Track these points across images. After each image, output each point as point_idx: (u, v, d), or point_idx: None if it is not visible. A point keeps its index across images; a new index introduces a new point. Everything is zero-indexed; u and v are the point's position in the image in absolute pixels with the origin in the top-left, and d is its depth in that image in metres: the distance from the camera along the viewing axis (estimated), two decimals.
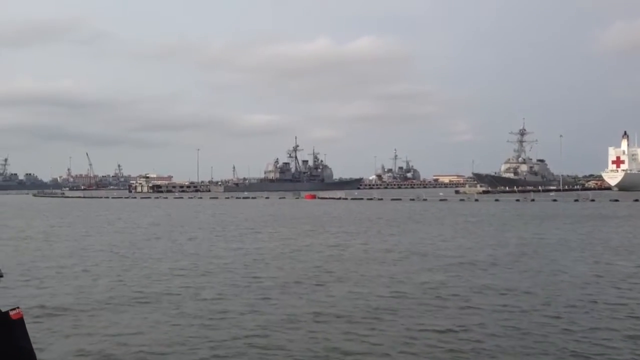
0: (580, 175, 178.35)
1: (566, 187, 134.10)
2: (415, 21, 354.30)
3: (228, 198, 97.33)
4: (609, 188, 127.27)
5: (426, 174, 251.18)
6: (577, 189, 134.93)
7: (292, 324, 11.46)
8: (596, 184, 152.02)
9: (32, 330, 2.21)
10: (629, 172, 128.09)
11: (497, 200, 75.35)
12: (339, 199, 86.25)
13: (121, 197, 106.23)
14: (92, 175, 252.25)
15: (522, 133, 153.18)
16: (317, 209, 58.78)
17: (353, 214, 50.46)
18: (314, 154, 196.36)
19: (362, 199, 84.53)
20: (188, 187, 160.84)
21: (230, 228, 35.83)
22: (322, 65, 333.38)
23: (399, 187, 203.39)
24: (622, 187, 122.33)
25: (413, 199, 78.87)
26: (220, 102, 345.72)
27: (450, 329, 11.07)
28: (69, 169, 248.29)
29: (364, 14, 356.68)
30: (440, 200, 78.20)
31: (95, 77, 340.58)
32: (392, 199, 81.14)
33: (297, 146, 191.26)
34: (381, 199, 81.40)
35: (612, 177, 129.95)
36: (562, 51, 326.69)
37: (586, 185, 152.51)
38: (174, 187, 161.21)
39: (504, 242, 26.13)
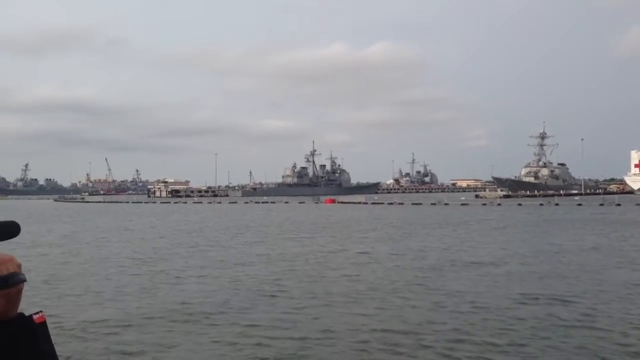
0: (600, 179, 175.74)
1: (588, 191, 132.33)
2: (429, 27, 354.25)
3: (247, 203, 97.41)
4: (631, 192, 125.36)
5: (443, 179, 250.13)
6: (599, 193, 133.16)
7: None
8: (618, 187, 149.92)
9: None
10: None
11: (520, 204, 74.44)
12: (359, 203, 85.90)
13: (141, 202, 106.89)
14: (110, 180, 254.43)
15: (543, 137, 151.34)
16: (344, 214, 58.47)
17: (385, 218, 50.04)
18: (331, 158, 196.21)
19: (382, 203, 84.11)
20: (206, 191, 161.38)
21: (290, 231, 35.72)
22: (337, 70, 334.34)
23: (417, 192, 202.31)
24: None
25: (434, 204, 78.30)
26: (237, 108, 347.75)
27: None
28: (88, 174, 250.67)
29: (379, 20, 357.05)
30: (462, 204, 77.50)
31: (113, 84, 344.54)
32: (413, 204, 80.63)
33: (315, 150, 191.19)
34: (402, 204, 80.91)
35: (635, 181, 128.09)
36: (580, 55, 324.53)
37: (608, 189, 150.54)
38: (192, 191, 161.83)
39: (550, 249, 25.60)
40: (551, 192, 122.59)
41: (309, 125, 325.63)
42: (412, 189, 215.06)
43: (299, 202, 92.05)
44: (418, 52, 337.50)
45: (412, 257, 22.93)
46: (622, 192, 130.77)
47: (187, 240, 31.42)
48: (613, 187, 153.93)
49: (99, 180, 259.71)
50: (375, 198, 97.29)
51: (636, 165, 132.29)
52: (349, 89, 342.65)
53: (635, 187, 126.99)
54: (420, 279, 17.57)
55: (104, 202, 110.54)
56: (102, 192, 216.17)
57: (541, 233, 33.72)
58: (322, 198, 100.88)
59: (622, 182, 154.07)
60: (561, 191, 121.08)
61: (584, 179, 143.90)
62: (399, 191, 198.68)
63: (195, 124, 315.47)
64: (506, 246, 26.58)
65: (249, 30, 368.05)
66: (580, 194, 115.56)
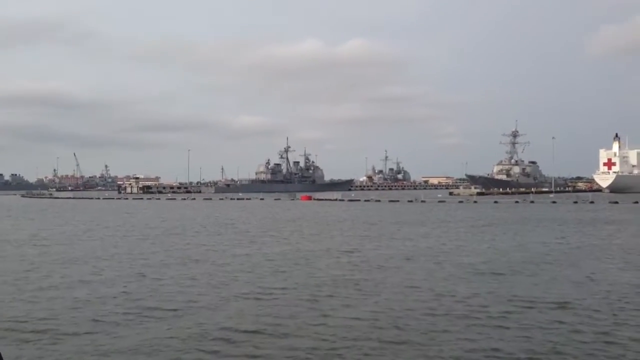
0: (568, 177, 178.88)
1: (558, 189, 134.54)
2: (405, 25, 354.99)
3: (222, 199, 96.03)
4: (599, 190, 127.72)
5: (415, 176, 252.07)
6: (569, 191, 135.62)
7: None
8: (586, 185, 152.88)
9: None
10: (620, 174, 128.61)
11: (496, 202, 74.87)
12: (335, 200, 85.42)
13: (112, 198, 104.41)
14: (78, 176, 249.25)
15: (515, 135, 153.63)
16: (322, 211, 57.84)
17: (364, 216, 49.52)
18: (305, 155, 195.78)
19: (359, 200, 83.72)
20: (178, 188, 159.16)
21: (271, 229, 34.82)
22: (312, 67, 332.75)
23: (390, 189, 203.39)
24: (614, 189, 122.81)
25: (411, 201, 78.22)
26: (209, 103, 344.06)
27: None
28: (55, 170, 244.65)
29: (354, 17, 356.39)
30: (439, 202, 77.63)
31: (83, 78, 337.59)
32: (390, 201, 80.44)
33: (289, 147, 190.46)
34: (379, 201, 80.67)
35: (604, 179, 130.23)
36: (553, 55, 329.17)
37: (577, 186, 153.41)
38: (164, 188, 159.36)
39: (536, 248, 25.33)
40: (523, 189, 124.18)
41: (283, 121, 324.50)
42: (385, 186, 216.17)
43: (275, 199, 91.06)
44: (393, 50, 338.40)
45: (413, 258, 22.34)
46: (591, 190, 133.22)
47: (167, 239, 30.31)
48: (582, 185, 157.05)
49: (67, 176, 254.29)
50: (352, 195, 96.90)
51: (605, 164, 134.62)
52: (323, 85, 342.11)
53: (603, 185, 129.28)
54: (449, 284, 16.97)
55: (74, 198, 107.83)
56: (70, 187, 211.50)
57: (525, 231, 33.55)
58: (298, 195, 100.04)
59: (589, 180, 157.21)
60: (532, 189, 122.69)
61: (554, 177, 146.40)
62: (371, 188, 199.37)
63: (166, 119, 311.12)
64: (503, 245, 26.25)
65: (223, 25, 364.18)
66: (551, 192, 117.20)
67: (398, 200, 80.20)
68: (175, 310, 13.05)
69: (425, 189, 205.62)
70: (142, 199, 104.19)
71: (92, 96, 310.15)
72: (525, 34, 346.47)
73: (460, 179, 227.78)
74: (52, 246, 26.58)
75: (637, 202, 67.49)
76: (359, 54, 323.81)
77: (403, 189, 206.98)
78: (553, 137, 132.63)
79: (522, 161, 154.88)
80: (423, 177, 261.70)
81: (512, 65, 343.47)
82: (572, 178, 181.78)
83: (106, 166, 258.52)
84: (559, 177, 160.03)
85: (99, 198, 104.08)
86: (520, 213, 51.87)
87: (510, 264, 19.99)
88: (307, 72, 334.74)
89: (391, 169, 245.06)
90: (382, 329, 11.43)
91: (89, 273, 18.49)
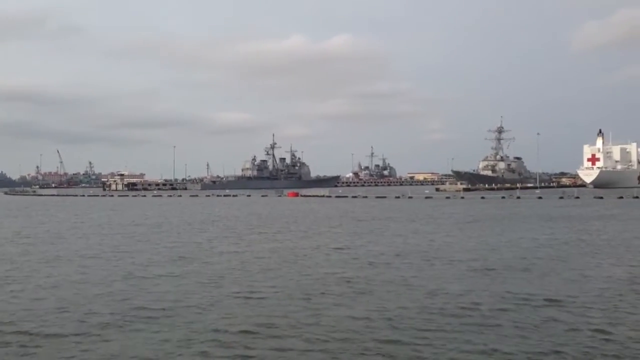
0: (551, 172, 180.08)
1: (543, 184, 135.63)
2: (391, 21, 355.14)
3: (209, 196, 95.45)
4: (583, 185, 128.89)
5: (401, 172, 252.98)
6: (554, 186, 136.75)
7: None
8: (570, 181, 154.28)
9: None
10: (604, 169, 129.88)
11: (482, 198, 75.10)
12: (323, 196, 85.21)
13: (97, 195, 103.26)
14: (62, 173, 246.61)
15: (500, 131, 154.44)
16: (310, 208, 57.60)
17: (353, 213, 49.33)
18: (291, 151, 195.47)
19: (346, 196, 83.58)
20: (164, 184, 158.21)
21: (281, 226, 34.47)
22: (297, 63, 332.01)
23: (376, 185, 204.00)
24: (598, 184, 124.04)
25: (398, 197, 78.21)
26: (194, 99, 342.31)
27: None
28: (38, 167, 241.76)
29: (339, 12, 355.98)
30: (426, 198, 77.74)
31: (66, 74, 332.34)
32: (377, 197, 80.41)
33: (275, 144, 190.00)
34: (366, 197, 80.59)
35: (588, 175, 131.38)
36: (537, 51, 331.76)
37: (561, 182, 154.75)
38: (149, 184, 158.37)
39: (530, 245, 25.30)
40: (508, 185, 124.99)
41: (268, 117, 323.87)
42: (371, 183, 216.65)
43: (262, 195, 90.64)
44: (379, 46, 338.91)
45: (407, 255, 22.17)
46: (575, 185, 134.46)
47: (154, 237, 29.88)
48: (566, 181, 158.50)
49: (50, 173, 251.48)
50: (339, 191, 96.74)
51: (589, 160, 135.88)
52: (308, 81, 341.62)
53: (587, 180, 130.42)
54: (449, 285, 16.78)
55: (58, 195, 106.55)
56: (53, 185, 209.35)
57: (516, 228, 33.57)
58: (285, 191, 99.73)
59: (573, 175, 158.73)
60: (518, 184, 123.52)
61: (538, 173, 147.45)
62: (358, 184, 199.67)
63: (150, 115, 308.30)
64: (494, 241, 26.20)
65: (208, 21, 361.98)
66: (537, 187, 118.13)
67: (385, 197, 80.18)
68: (163, 309, 12.74)
69: (411, 185, 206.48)
70: (127, 196, 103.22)
71: (75, 92, 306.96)
72: (509, 30, 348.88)
73: (445, 175, 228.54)
74: (36, 244, 26.04)
75: (621, 197, 68.04)
76: (344, 49, 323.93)
77: (389, 185, 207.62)
78: (538, 133, 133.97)
79: (508, 157, 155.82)
80: (409, 173, 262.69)
81: (496, 61, 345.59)
82: (556, 173, 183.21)
83: (90, 163, 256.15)
84: (543, 173, 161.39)
85: (83, 195, 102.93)
86: (508, 209, 52.01)
87: (501, 260, 19.88)
88: (292, 68, 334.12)
89: (377, 165, 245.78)
90: (375, 328, 11.22)
91: (74, 272, 18.08)
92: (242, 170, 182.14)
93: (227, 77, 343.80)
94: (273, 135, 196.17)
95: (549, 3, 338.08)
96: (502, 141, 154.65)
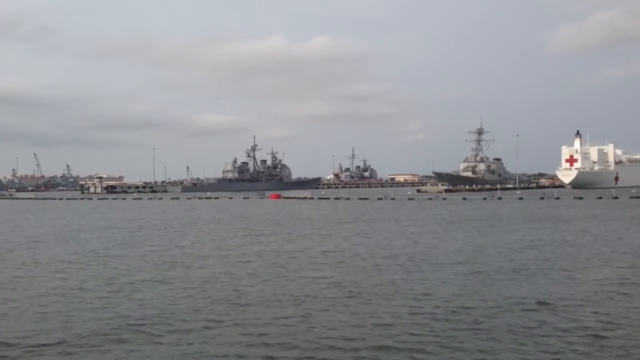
0: (529, 173, 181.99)
1: (522, 185, 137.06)
2: (371, 23, 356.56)
3: (190, 198, 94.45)
4: (561, 186, 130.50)
5: (382, 173, 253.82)
6: (533, 187, 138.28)
7: None
8: (549, 181, 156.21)
9: None
10: (582, 170, 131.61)
11: (464, 199, 75.51)
12: (305, 198, 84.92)
13: (76, 198, 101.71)
14: (39, 175, 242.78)
15: (480, 132, 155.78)
16: (293, 210, 57.28)
17: (336, 215, 49.11)
18: (272, 153, 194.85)
19: (329, 198, 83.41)
20: (144, 187, 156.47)
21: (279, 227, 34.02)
22: (277, 64, 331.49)
23: (357, 186, 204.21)
24: (576, 184, 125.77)
25: (381, 198, 78.26)
26: (173, 101, 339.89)
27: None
28: (14, 170, 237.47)
29: (319, 14, 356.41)
30: (409, 199, 77.92)
31: (42, 75, 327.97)
32: (360, 198, 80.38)
33: (256, 145, 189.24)
34: (349, 199, 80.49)
35: (566, 175, 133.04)
36: (515, 53, 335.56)
37: (540, 183, 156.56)
38: (129, 187, 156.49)
39: (521, 246, 25.32)
40: (488, 186, 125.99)
41: (248, 119, 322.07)
42: (352, 184, 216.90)
43: (244, 198, 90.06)
44: (357, 47, 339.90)
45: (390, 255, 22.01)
46: (553, 186, 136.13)
47: (137, 241, 29.34)
48: (544, 181, 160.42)
49: (27, 176, 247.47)
50: (322, 193, 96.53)
51: (567, 160, 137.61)
52: (288, 83, 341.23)
53: (566, 181, 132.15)
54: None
55: (36, 198, 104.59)
56: (30, 188, 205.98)
57: (504, 229, 33.67)
58: (267, 193, 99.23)
59: (551, 176, 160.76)
60: (498, 185, 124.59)
61: (518, 174, 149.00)
62: (339, 186, 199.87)
63: (129, 117, 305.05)
64: (482, 243, 26.20)
65: (187, 22, 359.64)
66: (517, 188, 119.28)
67: (368, 198, 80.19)
68: (149, 318, 12.38)
69: (392, 186, 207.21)
70: (107, 199, 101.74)
71: (52, 94, 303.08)
72: (488, 32, 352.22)
73: (426, 176, 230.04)
74: (15, 250, 25.36)
75: (600, 198, 68.94)
76: (324, 51, 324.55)
77: (370, 186, 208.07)
78: (517, 135, 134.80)
79: (487, 158, 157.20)
80: (390, 175, 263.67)
81: (476, 63, 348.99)
82: (535, 174, 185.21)
83: (68, 166, 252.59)
84: (522, 174, 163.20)
85: (62, 198, 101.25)
86: (491, 210, 52.30)
87: (489, 262, 19.82)
88: (272, 69, 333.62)
89: (358, 167, 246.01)
90: (367, 334, 11.01)
91: (56, 278, 17.60)
92: (223, 172, 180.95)
93: (206, 79, 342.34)
94: (254, 137, 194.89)
95: (526, 6, 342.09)
96: (482, 142, 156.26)
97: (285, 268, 19.18)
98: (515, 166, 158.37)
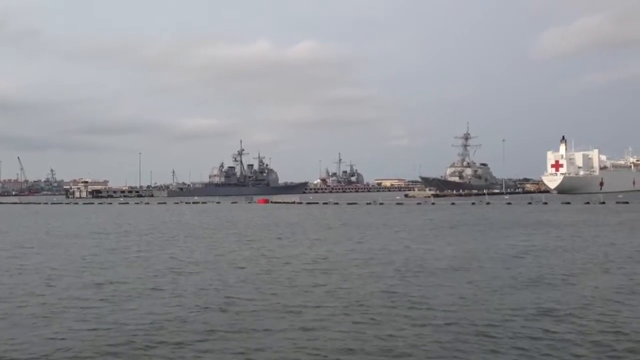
0: (514, 178, 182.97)
1: (509, 190, 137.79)
2: (356, 27, 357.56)
3: (177, 203, 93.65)
4: (547, 191, 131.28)
5: (368, 178, 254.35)
6: (519, 192, 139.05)
7: None
8: (534, 186, 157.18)
9: None
10: (567, 175, 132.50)
11: (453, 203, 75.59)
12: (293, 203, 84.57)
13: (62, 203, 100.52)
14: (22, 180, 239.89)
15: (467, 137, 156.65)
16: (283, 214, 56.88)
17: (325, 220, 48.79)
18: (259, 157, 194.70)
19: (317, 203, 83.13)
20: (130, 191, 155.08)
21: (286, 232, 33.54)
22: (263, 68, 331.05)
23: (344, 191, 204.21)
24: (561, 190, 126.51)
25: (369, 203, 78.19)
26: (158, 104, 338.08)
27: None
28: None
29: (305, 18, 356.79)
30: (397, 204, 77.85)
31: (25, 78, 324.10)
32: (348, 203, 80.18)
33: (243, 150, 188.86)
34: (337, 204, 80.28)
35: (552, 181, 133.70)
36: (501, 58, 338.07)
37: (525, 188, 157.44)
38: (114, 192, 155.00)
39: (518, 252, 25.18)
40: (475, 191, 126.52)
41: (233, 123, 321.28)
42: (339, 189, 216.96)
43: (232, 202, 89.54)
44: (343, 52, 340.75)
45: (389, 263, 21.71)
46: (539, 191, 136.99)
47: (126, 246, 28.79)
48: (530, 187, 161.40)
49: (10, 180, 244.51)
50: (310, 198, 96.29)
51: (552, 166, 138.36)
52: (274, 87, 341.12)
53: (551, 186, 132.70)
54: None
55: (20, 203, 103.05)
56: (14, 192, 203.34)
57: (498, 234, 33.57)
58: (255, 198, 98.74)
59: (536, 181, 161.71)
60: (485, 190, 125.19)
61: (504, 179, 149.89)
62: (326, 191, 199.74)
63: (113, 121, 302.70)
64: (477, 248, 26.02)
65: (172, 25, 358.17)
66: (504, 193, 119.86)
67: (356, 203, 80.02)
68: (142, 329, 11.97)
69: (378, 191, 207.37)
70: (93, 203, 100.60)
71: (35, 97, 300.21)
72: (473, 37, 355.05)
73: (412, 181, 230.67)
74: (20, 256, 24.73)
75: (588, 203, 69.38)
76: (310, 55, 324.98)
77: (357, 191, 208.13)
78: (503, 140, 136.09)
79: (474, 163, 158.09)
80: (376, 180, 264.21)
81: (460, 67, 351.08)
82: (519, 179, 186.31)
83: (52, 170, 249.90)
84: (509, 179, 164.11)
85: (47, 203, 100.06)
86: (480, 215, 52.32)
87: (484, 269, 19.62)
88: (257, 73, 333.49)
89: (345, 172, 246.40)
90: (368, 345, 10.71)
91: (42, 285, 17.09)
92: (210, 176, 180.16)
93: (191, 82, 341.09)
94: (241, 142, 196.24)
95: (511, 11, 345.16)
96: (468, 147, 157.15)
97: (279, 274, 18.82)
98: (501, 171, 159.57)
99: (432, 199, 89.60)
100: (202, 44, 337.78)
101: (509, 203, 73.65)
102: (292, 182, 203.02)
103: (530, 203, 72.52)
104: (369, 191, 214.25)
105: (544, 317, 12.55)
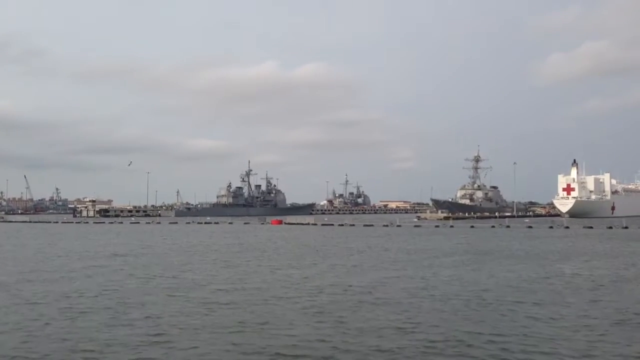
0: (523, 201, 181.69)
1: (520, 214, 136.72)
2: (361, 49, 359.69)
3: (189, 223, 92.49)
4: (557, 215, 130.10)
5: (373, 200, 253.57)
6: (530, 215, 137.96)
7: None
8: (545, 210, 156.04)
9: None
10: (579, 199, 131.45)
11: (472, 227, 74.45)
12: (308, 224, 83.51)
13: (72, 222, 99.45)
14: (27, 198, 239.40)
15: (477, 160, 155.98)
16: (300, 236, 55.78)
17: (346, 242, 47.59)
18: (267, 178, 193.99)
19: (332, 224, 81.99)
20: (137, 211, 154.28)
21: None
22: (269, 89, 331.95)
23: (351, 213, 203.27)
24: (573, 213, 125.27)
25: (387, 225, 77.09)
26: (164, 125, 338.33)
27: None
28: (2, 193, 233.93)
29: (311, 40, 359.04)
30: (415, 226, 76.78)
31: (30, 97, 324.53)
32: (365, 225, 79.09)
33: (251, 170, 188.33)
34: (353, 225, 79.19)
35: (563, 204, 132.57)
36: (509, 83, 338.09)
37: (537, 211, 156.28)
38: (121, 211, 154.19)
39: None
40: (486, 213, 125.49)
41: (238, 144, 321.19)
42: (346, 210, 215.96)
43: (245, 223, 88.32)
44: (349, 74, 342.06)
45: None
46: (549, 215, 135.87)
47: (153, 268, 27.86)
48: (541, 210, 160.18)
49: (15, 199, 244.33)
50: (325, 219, 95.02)
51: (564, 189, 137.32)
52: (280, 108, 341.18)
53: (563, 209, 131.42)
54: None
55: (30, 222, 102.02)
56: (20, 211, 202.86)
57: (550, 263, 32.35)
58: (268, 219, 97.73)
59: (543, 205, 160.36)
60: (496, 213, 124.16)
61: (515, 202, 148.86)
62: (332, 212, 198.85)
63: (118, 141, 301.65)
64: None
65: (178, 46, 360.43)
66: (513, 216, 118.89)
67: (372, 225, 78.94)
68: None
69: (385, 213, 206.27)
70: (103, 222, 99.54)
71: (40, 116, 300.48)
72: (483, 60, 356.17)
73: (418, 203, 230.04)
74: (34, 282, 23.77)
75: (611, 228, 68.26)
76: (316, 77, 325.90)
77: (364, 212, 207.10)
78: (515, 163, 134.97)
79: (485, 186, 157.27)
80: (381, 201, 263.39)
81: (468, 91, 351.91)
82: (525, 203, 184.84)
83: (57, 189, 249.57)
84: (519, 202, 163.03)
85: (57, 222, 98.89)
86: (506, 240, 50.76)
87: (570, 303, 18.50)
88: (263, 94, 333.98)
89: (351, 193, 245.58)
90: None
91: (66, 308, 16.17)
92: (217, 197, 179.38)
93: (197, 103, 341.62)
94: (249, 162, 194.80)
95: (517, 36, 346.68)
96: (479, 170, 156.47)
97: (317, 300, 17.80)
98: (512, 194, 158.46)
99: (450, 222, 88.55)
100: (208, 66, 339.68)
101: (530, 227, 72.38)
102: (299, 203, 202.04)
103: (551, 227, 71.36)
104: (375, 213, 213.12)
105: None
